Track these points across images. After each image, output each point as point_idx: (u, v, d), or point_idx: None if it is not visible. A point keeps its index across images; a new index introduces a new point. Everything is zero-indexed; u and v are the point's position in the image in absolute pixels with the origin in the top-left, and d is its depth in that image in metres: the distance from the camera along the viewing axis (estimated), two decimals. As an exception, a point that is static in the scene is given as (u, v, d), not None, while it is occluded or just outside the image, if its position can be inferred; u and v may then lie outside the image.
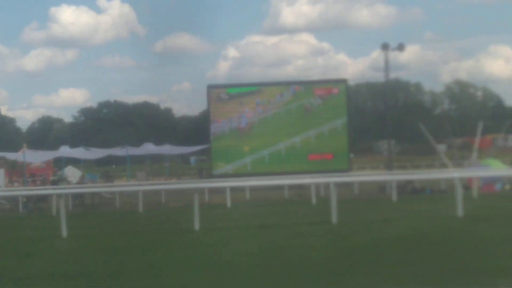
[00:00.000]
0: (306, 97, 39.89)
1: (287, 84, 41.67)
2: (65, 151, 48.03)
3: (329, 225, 16.06)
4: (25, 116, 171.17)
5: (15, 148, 54.94)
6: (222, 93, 40.34)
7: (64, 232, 16.35)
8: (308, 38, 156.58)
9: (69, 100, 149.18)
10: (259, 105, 39.68)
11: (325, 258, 11.18)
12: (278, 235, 14.59)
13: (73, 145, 55.70)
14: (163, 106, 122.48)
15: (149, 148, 50.21)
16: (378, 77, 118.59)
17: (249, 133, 39.53)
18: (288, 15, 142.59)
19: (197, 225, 16.57)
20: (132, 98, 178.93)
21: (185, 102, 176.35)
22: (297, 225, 16.59)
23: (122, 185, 31.03)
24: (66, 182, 38.64)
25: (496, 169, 27.73)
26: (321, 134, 39.36)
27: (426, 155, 60.25)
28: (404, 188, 29.29)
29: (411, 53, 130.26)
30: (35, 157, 47.95)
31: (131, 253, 13.01)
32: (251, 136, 39.48)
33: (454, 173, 19.29)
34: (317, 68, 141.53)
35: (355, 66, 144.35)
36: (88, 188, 27.31)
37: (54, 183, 37.41)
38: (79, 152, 49.43)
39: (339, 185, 18.42)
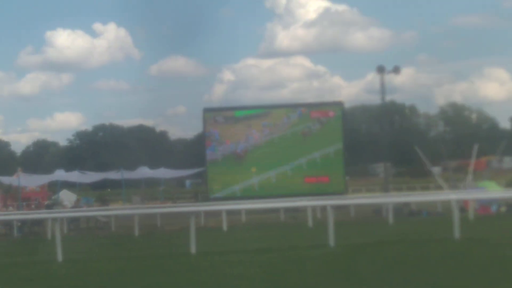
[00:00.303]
0: (304, 121, 40.04)
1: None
2: (60, 174, 47.95)
3: (327, 248, 16.01)
4: (19, 140, 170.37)
5: (10, 172, 54.79)
6: (217, 116, 40.46)
7: (60, 257, 16.25)
8: (304, 61, 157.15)
9: (64, 123, 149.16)
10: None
11: (324, 282, 11.12)
12: (276, 259, 14.52)
13: (68, 168, 55.68)
14: (158, 129, 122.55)
15: (144, 171, 50.18)
16: (373, 99, 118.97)
17: (244, 158, 39.65)
18: (284, 38, 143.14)
19: (193, 249, 16.49)
20: (127, 121, 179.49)
21: (180, 125, 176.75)
22: (294, 249, 16.52)
23: (118, 209, 30.94)
24: (61, 206, 38.49)
25: (492, 191, 27.77)
26: (317, 157, 39.44)
27: (421, 177, 60.27)
28: (401, 210, 29.27)
29: (405, 76, 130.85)
30: (30, 181, 47.86)
31: (127, 278, 12.93)
32: (246, 161, 39.64)
33: (451, 195, 19.32)
34: (312, 91, 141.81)
35: (350, 89, 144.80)
36: (84, 212, 27.20)
37: (49, 207, 37.23)
38: (74, 176, 49.34)
39: (335, 208, 18.40)
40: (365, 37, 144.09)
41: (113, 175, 49.20)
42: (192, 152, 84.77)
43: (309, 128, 39.82)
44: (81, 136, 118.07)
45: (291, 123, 39.94)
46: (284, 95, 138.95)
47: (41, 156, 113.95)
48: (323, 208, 24.41)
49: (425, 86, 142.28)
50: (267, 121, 39.98)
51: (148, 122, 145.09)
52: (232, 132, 39.82)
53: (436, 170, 46.19)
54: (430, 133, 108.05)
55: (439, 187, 37.64)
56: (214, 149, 39.85)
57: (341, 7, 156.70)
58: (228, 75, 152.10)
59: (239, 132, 39.78)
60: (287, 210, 30.74)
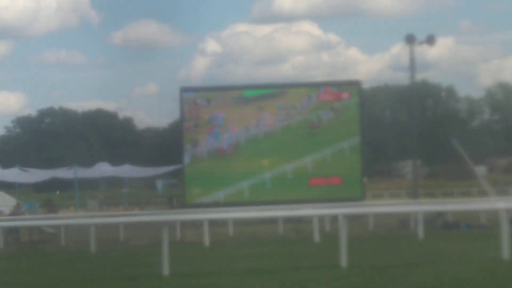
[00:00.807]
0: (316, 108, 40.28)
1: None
2: (-6, 172, 47.81)
3: (337, 270, 16.02)
4: None
5: None
6: (199, 99, 40.44)
7: (-7, 279, 16.25)
8: (311, 28, 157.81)
9: (0, 106, 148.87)
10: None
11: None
12: (271, 284, 14.54)
13: (6, 165, 55.39)
14: (122, 115, 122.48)
15: (103, 169, 50.09)
16: (400, 78, 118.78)
17: (233, 154, 39.82)
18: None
19: (166, 270, 16.48)
20: (82, 104, 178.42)
21: (150, 110, 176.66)
22: (295, 270, 16.55)
23: (69, 217, 30.89)
24: (-4, 213, 38.43)
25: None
26: (327, 154, 39.57)
27: (461, 179, 60.58)
28: (433, 222, 29.35)
29: (442, 48, 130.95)
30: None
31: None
32: (235, 157, 39.80)
33: (499, 203, 19.32)
34: (321, 66, 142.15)
35: (370, 65, 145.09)
36: (25, 221, 27.15)
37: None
38: (13, 174, 49.19)
39: (349, 218, 18.40)
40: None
41: (63, 173, 49.10)
42: (166, 145, 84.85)
43: (317, 117, 39.93)
44: (23, 123, 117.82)
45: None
46: (285, 71, 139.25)
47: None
48: (334, 219, 24.44)
49: (467, 61, 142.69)
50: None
51: (109, 106, 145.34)
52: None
53: (480, 170, 46.40)
54: (473, 122, 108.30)
55: (483, 193, 37.76)
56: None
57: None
58: (212, 46, 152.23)
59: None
60: (288, 220, 30.73)
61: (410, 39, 40.13)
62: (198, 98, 40.55)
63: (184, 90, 41.60)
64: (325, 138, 39.67)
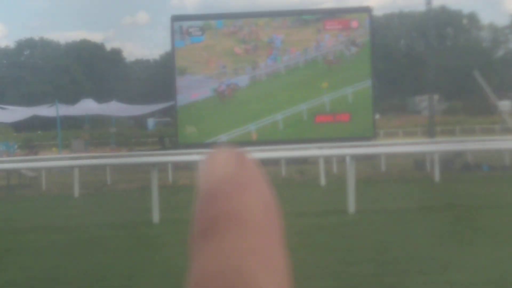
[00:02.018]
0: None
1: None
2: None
3: (344, 216, 16.11)
4: None
5: None
6: (192, 29, 40.34)
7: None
8: None
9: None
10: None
11: (336, 261, 11.20)
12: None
13: (-19, 102, 55.51)
14: (109, 46, 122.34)
15: (89, 106, 50.14)
16: (416, 4, 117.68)
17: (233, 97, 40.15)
18: None
19: (156, 217, 16.57)
20: (65, 34, 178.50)
21: (140, 40, 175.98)
22: (298, 216, 16.60)
23: (51, 159, 30.94)
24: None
25: None
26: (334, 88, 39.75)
27: (483, 114, 60.59)
28: (452, 163, 29.42)
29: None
30: None
31: (60, 255, 13.01)
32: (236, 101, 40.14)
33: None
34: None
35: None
36: (3, 163, 27.22)
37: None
38: (-11, 112, 49.29)
39: (359, 159, 18.44)
40: None
41: (45, 110, 49.14)
42: (158, 79, 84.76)
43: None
44: (0, 55, 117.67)
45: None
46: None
47: None
48: (341, 159, 24.49)
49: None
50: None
51: (95, 36, 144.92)
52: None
53: (504, 105, 46.22)
54: (497, 52, 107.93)
55: (507, 130, 37.76)
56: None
57: None
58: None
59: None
60: (291, 161, 30.82)
61: (427, -40, 39.68)
62: (190, 27, 40.45)
63: (176, 18, 41.38)
64: (336, 79, 39.87)
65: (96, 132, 63.49)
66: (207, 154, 0.57)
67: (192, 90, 39.96)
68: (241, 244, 0.57)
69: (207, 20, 41.51)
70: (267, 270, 0.57)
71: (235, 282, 0.55)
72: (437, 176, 25.06)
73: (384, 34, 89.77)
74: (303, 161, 30.78)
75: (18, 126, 65.11)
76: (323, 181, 25.07)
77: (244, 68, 40.42)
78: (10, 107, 53.21)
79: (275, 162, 30.96)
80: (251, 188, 0.60)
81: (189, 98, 39.96)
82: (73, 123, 62.88)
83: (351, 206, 16.57)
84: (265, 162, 31.25)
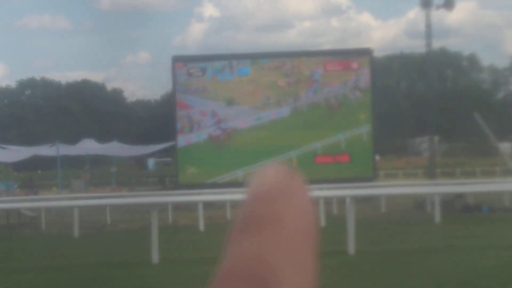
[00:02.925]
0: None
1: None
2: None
3: (344, 257, 16.08)
4: None
5: None
6: (193, 69, 40.55)
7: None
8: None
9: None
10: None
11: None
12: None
13: (-18, 141, 55.60)
14: (110, 86, 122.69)
15: (89, 146, 50.17)
16: (417, 46, 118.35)
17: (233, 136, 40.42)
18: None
19: (155, 257, 16.54)
20: (66, 75, 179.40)
21: (142, 80, 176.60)
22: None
23: (51, 199, 30.92)
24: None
25: None
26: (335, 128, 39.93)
27: (484, 156, 60.59)
28: (452, 204, 29.38)
29: (463, 13, 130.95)
30: None
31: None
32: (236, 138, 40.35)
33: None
34: (330, 33, 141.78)
35: (384, 31, 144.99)
36: (3, 203, 27.19)
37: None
38: (-10, 152, 49.33)
39: (360, 200, 18.45)
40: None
41: (45, 150, 49.18)
42: (159, 120, 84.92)
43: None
44: (1, 95, 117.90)
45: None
46: (291, 39, 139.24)
47: None
48: (341, 201, 24.47)
49: (491, 27, 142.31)
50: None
51: (97, 76, 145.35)
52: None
53: (504, 147, 46.29)
54: (497, 94, 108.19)
55: (508, 172, 37.78)
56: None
57: None
58: (210, 10, 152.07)
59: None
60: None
61: (426, 3, 40.01)
62: (191, 68, 40.67)
63: (177, 59, 41.62)
64: (338, 123, 40.09)
65: (97, 172, 63.54)
66: (260, 168, 0.63)
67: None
68: (276, 242, 0.61)
69: (208, 61, 41.75)
70: (295, 269, 0.62)
71: (263, 271, 0.59)
72: (437, 217, 25.04)
73: (384, 75, 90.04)
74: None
75: (19, 166, 65.10)
76: (323, 222, 25.03)
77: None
78: (11, 147, 53.26)
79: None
80: (295, 197, 0.64)
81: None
82: (73, 163, 62.83)
83: (351, 247, 16.55)
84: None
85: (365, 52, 41.66)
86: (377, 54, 78.90)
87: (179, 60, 41.49)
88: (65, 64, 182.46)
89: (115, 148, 53.01)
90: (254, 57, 42.28)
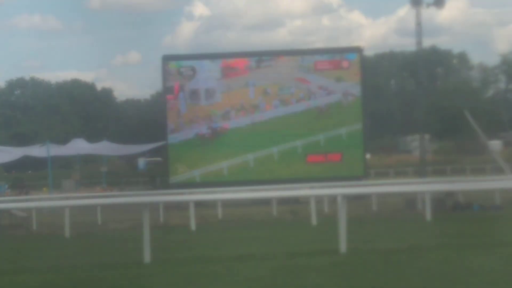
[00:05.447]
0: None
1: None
2: (-41, 150, 47.79)
3: (336, 256, 16.08)
4: None
5: None
6: (184, 68, 40.50)
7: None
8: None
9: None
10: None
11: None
12: (264, 271, 14.57)
13: (-28, 142, 55.47)
14: (100, 86, 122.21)
15: (80, 146, 50.11)
16: (407, 44, 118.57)
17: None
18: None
19: (147, 256, 16.52)
20: (56, 74, 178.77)
21: (131, 80, 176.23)
22: (290, 256, 16.58)
23: (42, 199, 30.87)
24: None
25: None
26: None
27: (474, 154, 60.60)
28: (443, 202, 29.43)
29: (454, 11, 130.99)
30: None
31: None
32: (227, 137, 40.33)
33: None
34: (321, 31, 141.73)
35: (374, 30, 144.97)
36: (-7, 204, 27.12)
37: None
38: (-20, 152, 49.17)
39: (351, 199, 18.46)
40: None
41: (35, 151, 49.08)
42: (149, 119, 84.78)
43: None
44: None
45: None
46: (282, 37, 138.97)
47: None
48: (333, 199, 24.49)
49: (481, 25, 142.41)
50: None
51: (86, 76, 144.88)
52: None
53: (494, 145, 46.37)
54: (487, 92, 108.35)
55: (498, 170, 37.84)
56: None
57: None
58: (200, 8, 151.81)
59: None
60: (283, 201, 30.79)
61: (416, 1, 40.07)
62: (182, 67, 40.61)
63: (167, 58, 41.57)
64: (326, 124, 40.07)
65: (87, 172, 63.42)
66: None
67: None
68: None
69: (198, 59, 41.72)
70: None
71: None
72: (428, 215, 25.08)
73: (375, 73, 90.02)
74: (295, 201, 30.74)
75: (9, 166, 64.96)
76: (314, 221, 25.04)
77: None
78: (1, 148, 53.13)
79: (266, 202, 30.96)
80: None
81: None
82: (64, 163, 62.80)
83: (343, 245, 16.54)
84: (256, 202, 31.32)
85: (355, 51, 41.70)
86: (368, 52, 79.11)
87: (170, 59, 41.45)
88: (55, 64, 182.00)
89: (105, 148, 52.96)
90: (245, 56, 42.24)
